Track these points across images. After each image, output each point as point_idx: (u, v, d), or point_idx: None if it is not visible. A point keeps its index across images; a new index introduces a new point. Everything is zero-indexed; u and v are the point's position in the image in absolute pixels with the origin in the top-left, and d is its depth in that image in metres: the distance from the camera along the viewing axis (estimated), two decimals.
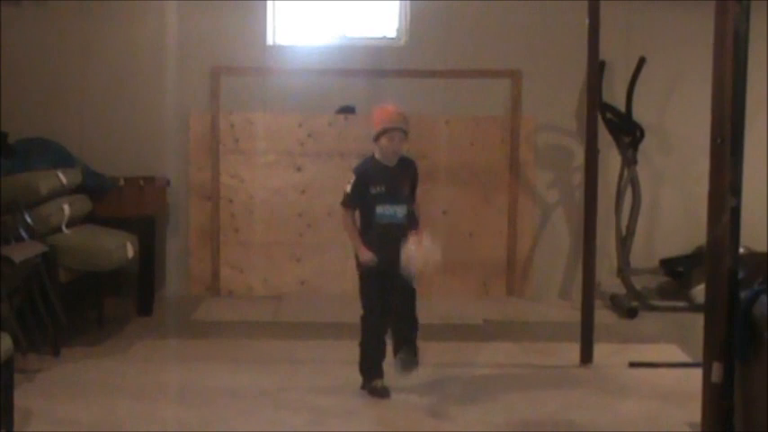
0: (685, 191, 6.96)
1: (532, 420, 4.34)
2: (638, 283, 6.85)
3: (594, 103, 5.33)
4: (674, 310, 6.57)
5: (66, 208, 5.64)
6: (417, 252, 4.44)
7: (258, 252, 7.02)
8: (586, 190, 5.28)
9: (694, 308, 6.12)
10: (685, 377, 4.81)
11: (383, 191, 4.59)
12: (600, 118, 6.17)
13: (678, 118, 7.07)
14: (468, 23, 7.00)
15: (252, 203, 7.02)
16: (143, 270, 6.36)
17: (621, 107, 6.83)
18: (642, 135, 6.85)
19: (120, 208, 6.36)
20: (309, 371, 5.06)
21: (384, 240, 4.57)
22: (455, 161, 6.97)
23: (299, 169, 7.01)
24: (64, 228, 5.57)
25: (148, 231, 6.42)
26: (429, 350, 4.89)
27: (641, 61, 6.64)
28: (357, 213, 4.69)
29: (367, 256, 4.58)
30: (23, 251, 4.98)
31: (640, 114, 6.84)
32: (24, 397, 4.32)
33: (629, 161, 6.81)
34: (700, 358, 3.40)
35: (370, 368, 4.64)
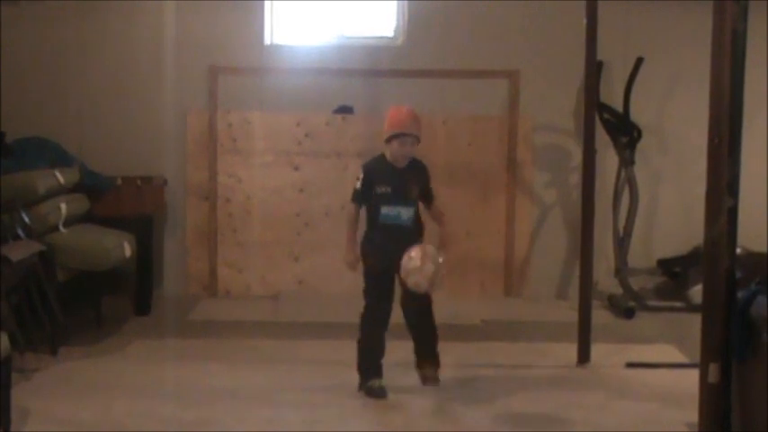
0: (683, 191, 6.98)
1: (530, 420, 4.34)
2: (636, 283, 6.86)
3: (592, 103, 5.33)
4: (672, 310, 6.58)
5: (64, 207, 5.63)
6: (420, 271, 4.38)
7: (256, 251, 7.02)
8: (584, 190, 5.28)
9: (691, 308, 6.14)
10: (682, 377, 4.81)
11: (388, 191, 4.59)
12: (597, 118, 6.18)
13: (675, 118, 7.08)
14: (466, 23, 7.00)
15: (249, 203, 7.03)
16: (141, 269, 6.36)
17: (619, 107, 6.84)
18: (639, 135, 6.86)
19: (117, 207, 6.36)
20: (307, 370, 5.06)
21: (386, 241, 4.57)
22: (453, 161, 6.97)
23: (296, 169, 7.01)
24: (61, 227, 5.56)
25: (146, 231, 6.42)
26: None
27: (639, 61, 6.65)
28: (364, 212, 4.69)
29: (350, 257, 4.60)
30: (21, 250, 4.97)
31: (638, 114, 6.85)
32: (22, 396, 4.32)
33: (627, 161, 6.81)
34: (697, 358, 3.40)
35: (368, 368, 4.64)
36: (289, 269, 7.04)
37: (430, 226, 4.77)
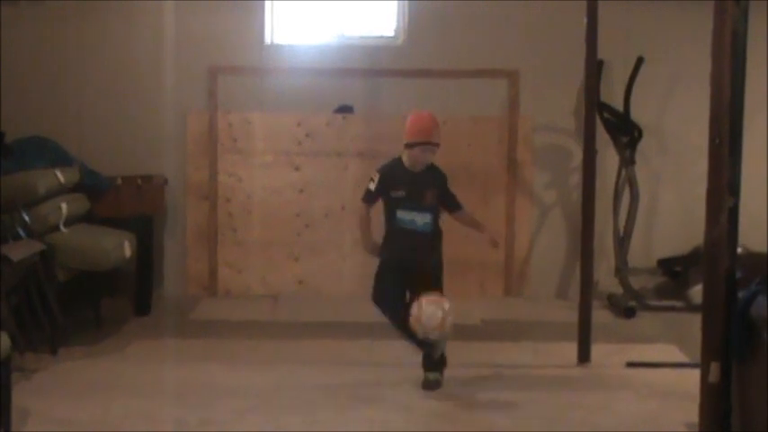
0: (683, 191, 6.97)
1: (530, 420, 4.34)
2: (636, 282, 6.85)
3: (592, 102, 5.32)
4: (672, 309, 6.58)
5: (64, 207, 5.63)
6: (428, 321, 4.43)
7: (256, 252, 7.02)
8: (584, 190, 5.28)
9: (692, 308, 6.13)
10: (683, 377, 4.81)
11: (403, 196, 4.63)
12: (598, 118, 6.18)
13: (676, 118, 7.07)
14: (466, 23, 7.00)
15: (250, 203, 7.02)
16: (140, 269, 6.36)
17: (619, 107, 6.83)
18: (640, 135, 6.86)
19: (117, 207, 6.36)
20: (307, 370, 5.06)
21: (401, 245, 4.62)
22: (452, 161, 6.89)
23: (296, 169, 7.01)
24: (62, 227, 5.56)
25: (146, 231, 6.42)
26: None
27: (639, 61, 6.65)
28: (382, 214, 4.74)
29: (368, 245, 4.72)
30: (21, 250, 4.98)
31: (638, 114, 6.85)
32: (22, 396, 4.32)
33: (627, 161, 6.81)
34: (697, 358, 3.40)
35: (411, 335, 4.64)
36: (289, 269, 7.03)
37: (464, 231, 4.82)
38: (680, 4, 6.79)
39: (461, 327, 6.04)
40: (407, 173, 4.67)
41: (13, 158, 5.82)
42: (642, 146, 6.90)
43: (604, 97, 6.78)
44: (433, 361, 4.69)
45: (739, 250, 3.35)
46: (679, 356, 5.40)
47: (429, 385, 4.67)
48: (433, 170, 4.74)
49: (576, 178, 6.87)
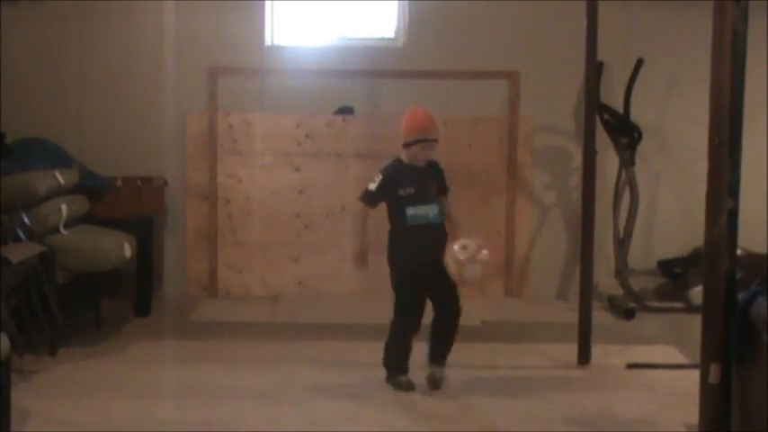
0: (683, 192, 6.97)
1: (530, 421, 4.34)
2: (636, 284, 6.85)
3: (592, 104, 5.32)
4: (672, 311, 6.57)
5: (64, 208, 5.63)
6: (460, 265, 4.43)
7: (256, 252, 7.02)
8: (584, 191, 5.28)
9: (692, 309, 6.13)
10: (683, 378, 4.81)
11: (412, 192, 4.62)
12: (598, 119, 6.18)
13: (676, 119, 7.07)
14: (467, 24, 7.00)
15: (249, 204, 7.02)
16: (140, 270, 6.35)
17: (619, 108, 6.83)
18: (640, 136, 6.86)
19: (117, 208, 6.36)
20: (307, 371, 5.05)
21: (420, 242, 4.60)
22: (453, 162, 6.89)
23: (296, 170, 7.01)
24: (62, 228, 5.56)
25: (146, 232, 6.42)
26: (425, 351, 4.88)
27: (639, 62, 6.65)
28: (385, 216, 4.73)
29: (356, 248, 4.69)
30: (21, 251, 4.97)
31: (638, 115, 6.85)
32: (21, 397, 4.32)
33: (627, 162, 6.81)
34: (697, 359, 3.40)
35: (397, 366, 4.71)
36: (289, 270, 7.03)
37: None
38: (680, 5, 6.79)
39: (461, 327, 6.05)
40: (412, 169, 4.68)
41: (14, 159, 5.82)
42: (642, 147, 6.91)
43: (604, 98, 6.78)
44: (440, 354, 4.70)
45: (739, 251, 3.35)
46: (679, 357, 5.40)
47: (435, 383, 4.67)
48: (432, 163, 4.75)
49: (576, 179, 6.87)
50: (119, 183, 6.47)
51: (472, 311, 6.45)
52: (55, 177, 5.70)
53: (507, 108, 7.05)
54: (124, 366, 5.14)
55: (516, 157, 7.05)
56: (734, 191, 3.22)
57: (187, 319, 6.31)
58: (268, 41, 7.11)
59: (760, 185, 6.53)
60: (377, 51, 7.10)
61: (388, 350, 4.73)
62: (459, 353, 5.34)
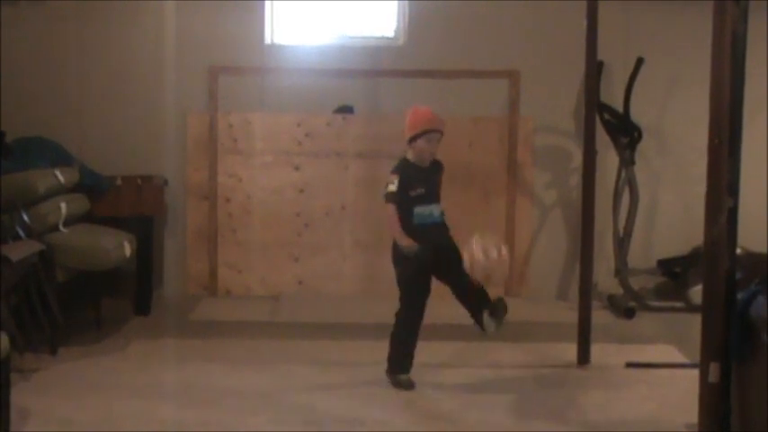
0: (683, 191, 6.97)
1: (530, 420, 4.34)
2: (636, 283, 6.85)
3: (592, 103, 5.32)
4: (672, 310, 6.58)
5: (64, 207, 5.63)
6: (481, 262, 4.46)
7: (256, 252, 7.02)
8: (584, 191, 5.28)
9: (691, 308, 6.13)
10: (682, 378, 4.81)
11: (422, 193, 4.67)
12: (598, 119, 6.18)
13: (676, 119, 7.07)
14: (467, 24, 7.00)
15: (250, 203, 7.02)
16: (141, 269, 6.35)
17: (619, 108, 6.83)
18: (640, 136, 6.86)
19: (117, 207, 6.36)
20: (307, 371, 5.06)
21: (427, 241, 4.62)
22: (453, 162, 6.87)
23: (297, 169, 7.01)
24: (61, 227, 5.56)
25: (146, 231, 6.42)
26: (426, 350, 4.89)
27: (639, 62, 6.65)
28: (384, 217, 4.75)
29: (408, 242, 4.61)
30: (21, 250, 4.97)
31: (638, 115, 6.85)
32: (21, 396, 4.32)
33: (627, 162, 6.81)
34: (697, 359, 3.40)
35: (399, 362, 4.73)
36: (289, 269, 7.03)
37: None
38: (680, 4, 6.79)
39: (461, 327, 6.05)
40: (420, 169, 4.71)
41: (14, 158, 5.82)
42: (642, 147, 6.91)
43: (604, 98, 6.78)
44: (492, 304, 4.64)
45: (739, 251, 3.35)
46: (679, 357, 5.40)
47: (497, 312, 4.61)
48: (436, 162, 4.80)
49: (575, 179, 6.87)
50: (119, 182, 6.47)
51: None
52: (55, 176, 5.70)
53: (507, 108, 7.05)
54: (124, 365, 5.14)
55: (516, 157, 7.05)
56: (734, 190, 3.22)
57: (187, 318, 6.31)
58: (268, 40, 7.11)
59: (760, 185, 6.53)
60: (377, 50, 7.10)
61: (393, 343, 4.76)
62: (459, 352, 5.36)
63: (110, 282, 6.15)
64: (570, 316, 5.62)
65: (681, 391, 4.57)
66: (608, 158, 6.87)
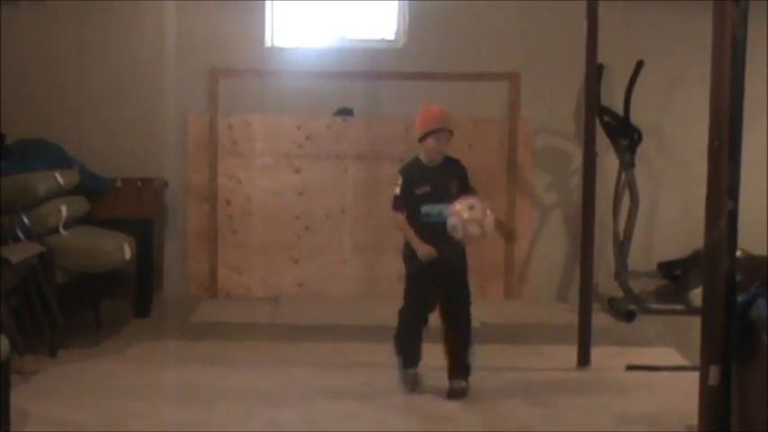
0: (683, 194, 6.97)
1: (530, 423, 4.34)
2: (636, 286, 6.86)
3: (592, 105, 5.32)
4: (672, 313, 6.58)
5: (64, 209, 5.63)
6: (467, 216, 4.44)
7: (256, 254, 7.02)
8: (584, 193, 5.28)
9: (692, 311, 6.13)
10: (683, 380, 4.80)
11: (428, 191, 4.65)
12: (598, 121, 6.18)
13: (676, 121, 7.07)
14: (467, 26, 7.00)
15: (250, 205, 7.02)
16: (141, 271, 6.35)
17: (619, 110, 6.84)
18: (640, 138, 6.86)
19: (117, 209, 6.37)
20: (307, 372, 5.05)
21: (430, 240, 4.60)
22: None
23: (297, 171, 7.01)
24: (61, 229, 5.56)
25: (146, 232, 6.42)
26: (426, 353, 4.88)
27: (639, 64, 6.65)
28: (389, 219, 4.76)
29: (426, 249, 4.58)
30: (21, 252, 4.97)
31: (638, 117, 6.85)
32: (21, 398, 4.32)
33: (627, 164, 6.81)
34: (697, 361, 3.39)
35: (405, 356, 4.74)
36: (289, 271, 7.03)
37: None
38: (680, 6, 6.79)
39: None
40: (428, 169, 4.70)
41: (14, 160, 5.82)
42: (642, 149, 6.91)
43: (604, 100, 6.79)
44: (459, 367, 4.69)
45: (739, 253, 3.35)
46: (679, 359, 5.39)
47: (455, 394, 4.65)
48: (452, 162, 4.75)
49: (576, 181, 6.87)
50: (119, 183, 6.47)
51: (472, 313, 6.46)
52: (55, 178, 5.70)
53: (508, 109, 7.05)
54: (124, 367, 5.13)
55: (516, 159, 7.06)
56: (734, 193, 3.21)
57: (187, 319, 6.31)
58: (268, 42, 7.11)
59: (760, 187, 6.53)
60: (377, 53, 7.11)
61: (397, 338, 4.77)
62: None
63: (110, 283, 6.15)
64: (570, 318, 5.62)
65: (681, 394, 4.56)
66: (608, 161, 6.88)
